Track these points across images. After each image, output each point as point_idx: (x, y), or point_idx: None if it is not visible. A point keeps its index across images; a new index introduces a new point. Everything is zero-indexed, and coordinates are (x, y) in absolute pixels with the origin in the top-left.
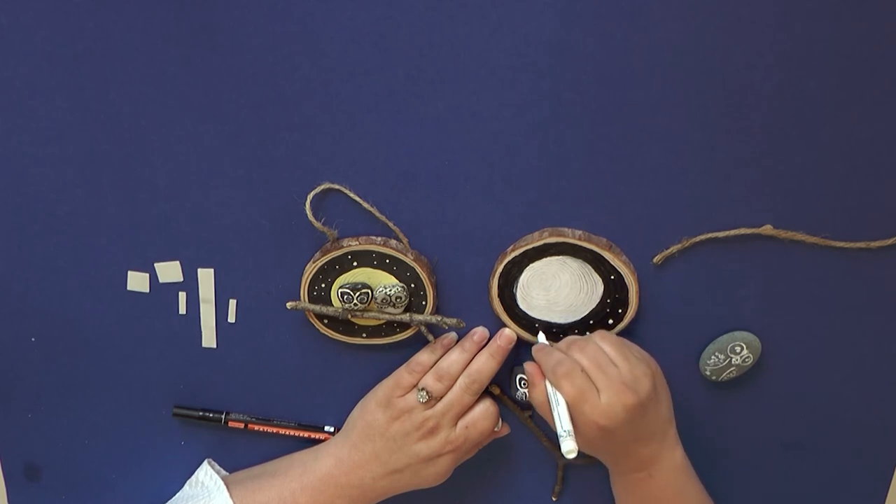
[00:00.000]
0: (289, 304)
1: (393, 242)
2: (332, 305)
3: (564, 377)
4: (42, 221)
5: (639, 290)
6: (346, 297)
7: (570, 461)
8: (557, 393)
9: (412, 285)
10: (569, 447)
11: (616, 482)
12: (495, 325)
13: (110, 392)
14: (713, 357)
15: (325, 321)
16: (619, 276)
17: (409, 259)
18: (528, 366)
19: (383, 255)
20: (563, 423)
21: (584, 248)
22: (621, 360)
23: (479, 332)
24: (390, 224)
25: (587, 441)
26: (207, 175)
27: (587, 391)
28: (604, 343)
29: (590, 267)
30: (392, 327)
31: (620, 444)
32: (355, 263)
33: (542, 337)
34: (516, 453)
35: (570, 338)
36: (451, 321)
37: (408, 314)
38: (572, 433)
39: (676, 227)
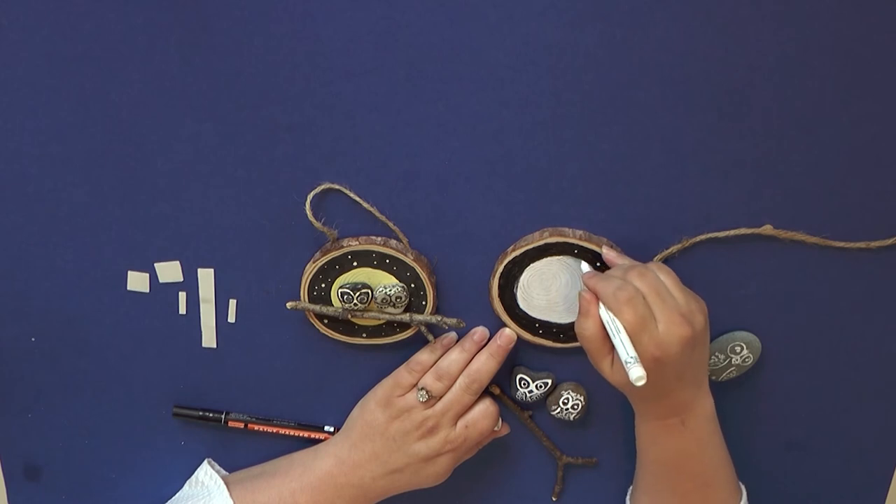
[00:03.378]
0: (289, 304)
1: (393, 242)
2: (332, 305)
3: (627, 303)
4: (42, 221)
5: None
6: (346, 297)
7: (569, 461)
8: (616, 320)
9: (412, 285)
10: (638, 373)
11: (644, 431)
12: (495, 325)
13: (110, 392)
14: (713, 357)
15: (325, 321)
16: None
17: (409, 259)
18: (582, 293)
19: (383, 255)
20: (627, 349)
21: (585, 248)
22: (678, 291)
23: (479, 331)
24: (390, 224)
25: None
26: (207, 175)
27: (648, 319)
28: (661, 272)
29: (590, 267)
30: (392, 327)
31: (665, 381)
32: (355, 263)
33: (585, 266)
34: (516, 453)
35: (624, 264)
36: (451, 321)
37: (408, 314)
38: (638, 359)
39: (676, 227)
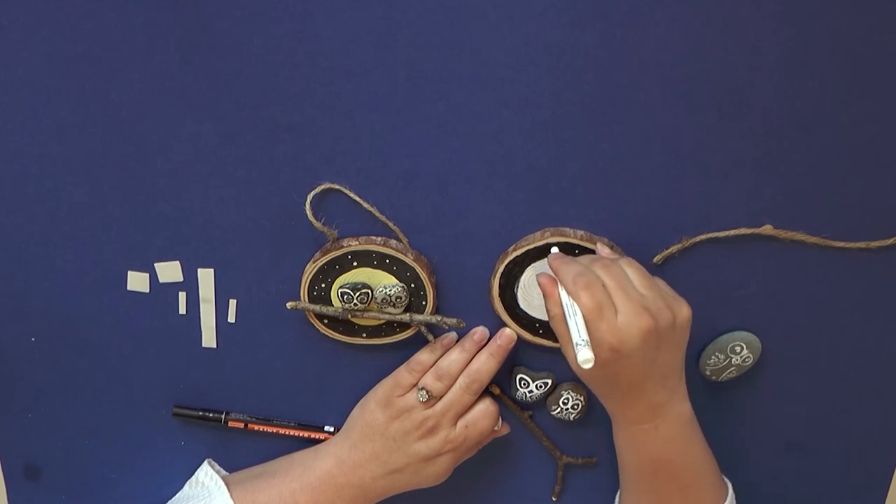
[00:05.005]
0: (289, 304)
1: (393, 242)
2: (332, 305)
3: (584, 288)
4: (42, 221)
5: None
6: (346, 297)
7: (569, 461)
8: (574, 304)
9: (412, 285)
10: (586, 356)
11: (619, 436)
12: (495, 325)
13: (110, 392)
14: (713, 357)
15: (325, 321)
16: None
17: (409, 259)
18: (541, 277)
19: (383, 255)
20: (580, 331)
21: (586, 248)
22: (644, 287)
23: (479, 331)
24: (390, 224)
25: (599, 366)
26: (207, 175)
27: (605, 307)
28: (629, 268)
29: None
30: (392, 327)
31: (629, 377)
32: (355, 263)
33: (555, 248)
34: (516, 453)
35: (592, 255)
36: (451, 321)
37: (408, 314)
38: (589, 343)
39: (676, 227)
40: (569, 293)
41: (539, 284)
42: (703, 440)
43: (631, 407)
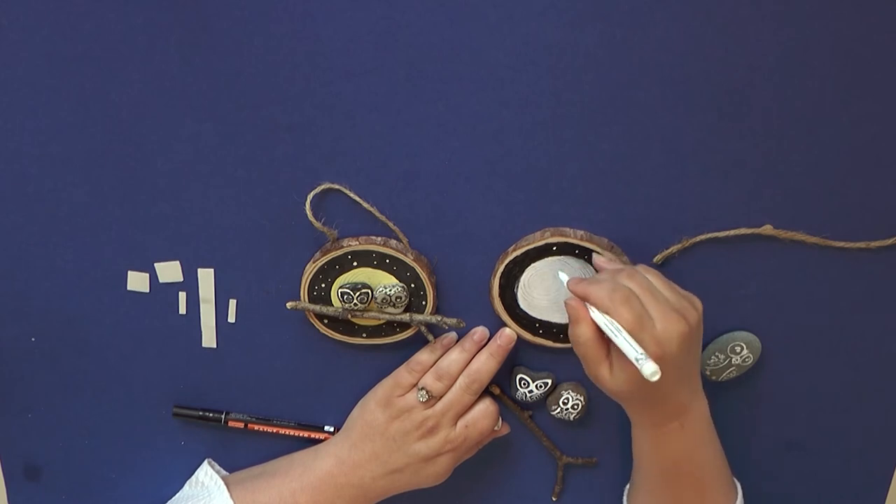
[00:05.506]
0: (289, 304)
1: (393, 242)
2: (332, 305)
3: (623, 303)
4: (42, 221)
5: None
6: (346, 297)
7: (569, 461)
8: (615, 322)
9: (412, 285)
10: (652, 368)
11: (643, 439)
12: (495, 325)
13: (110, 392)
14: (713, 357)
15: (325, 321)
16: None
17: (409, 259)
18: (568, 301)
19: (383, 255)
20: (634, 346)
21: (586, 248)
22: (667, 290)
23: (479, 331)
24: (390, 224)
25: (640, 378)
26: (207, 175)
27: (645, 318)
28: (648, 273)
29: (591, 267)
30: (392, 327)
31: (666, 382)
32: (355, 263)
33: (563, 276)
34: (516, 453)
35: (611, 268)
36: (451, 321)
37: (408, 314)
38: (646, 354)
39: (676, 227)
40: (607, 311)
41: (568, 308)
42: (717, 438)
43: (658, 410)
